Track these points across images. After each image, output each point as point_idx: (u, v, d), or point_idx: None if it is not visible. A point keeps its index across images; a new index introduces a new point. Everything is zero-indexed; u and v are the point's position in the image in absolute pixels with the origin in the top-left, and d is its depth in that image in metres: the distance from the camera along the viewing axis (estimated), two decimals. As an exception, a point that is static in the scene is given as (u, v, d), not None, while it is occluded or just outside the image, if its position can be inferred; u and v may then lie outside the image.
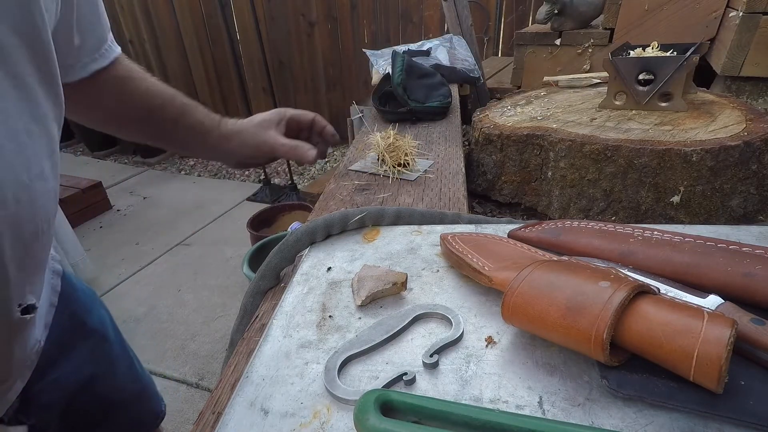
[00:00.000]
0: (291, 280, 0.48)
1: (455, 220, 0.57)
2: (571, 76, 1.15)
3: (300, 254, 0.53)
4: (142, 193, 3.72)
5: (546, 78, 1.19)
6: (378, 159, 0.84)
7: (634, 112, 0.87)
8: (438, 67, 1.43)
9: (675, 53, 0.88)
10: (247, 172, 3.96)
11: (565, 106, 0.97)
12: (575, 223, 0.47)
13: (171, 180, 3.99)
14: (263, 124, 0.68)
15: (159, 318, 2.33)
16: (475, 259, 0.43)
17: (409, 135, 0.85)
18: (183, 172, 4.11)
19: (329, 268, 0.48)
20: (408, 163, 0.82)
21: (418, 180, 0.78)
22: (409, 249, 0.51)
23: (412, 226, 0.55)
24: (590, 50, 1.69)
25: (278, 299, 0.46)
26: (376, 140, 0.82)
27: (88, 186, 3.33)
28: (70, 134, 4.63)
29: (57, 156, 0.43)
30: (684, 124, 0.78)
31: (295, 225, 2.59)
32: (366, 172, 0.83)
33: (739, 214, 0.72)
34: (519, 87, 1.91)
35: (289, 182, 3.52)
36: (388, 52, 1.68)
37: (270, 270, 0.52)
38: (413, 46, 1.66)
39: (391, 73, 1.15)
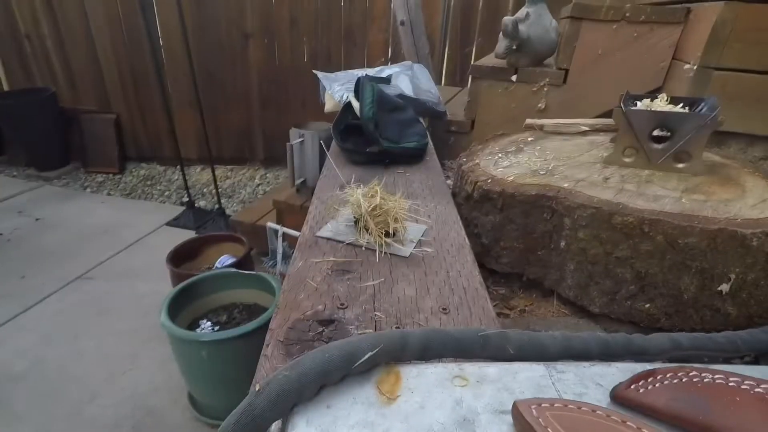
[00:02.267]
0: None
1: (502, 346, 0.39)
2: (557, 121, 1.04)
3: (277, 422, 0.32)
4: (33, 214, 3.15)
5: (528, 121, 1.07)
6: (356, 223, 0.64)
7: (648, 172, 0.76)
8: (403, 97, 1.27)
9: (686, 108, 0.80)
10: (167, 192, 3.53)
11: (564, 158, 0.84)
12: (724, 381, 0.31)
13: (73, 198, 3.44)
14: None
15: (47, 375, 1.89)
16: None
17: (399, 193, 0.66)
18: (89, 189, 3.57)
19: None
20: (397, 231, 0.63)
21: (413, 257, 0.60)
22: (459, 419, 0.31)
23: (448, 368, 0.36)
24: (545, 89, 1.66)
25: None
26: (355, 199, 0.62)
27: (-39, 205, 2.74)
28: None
29: None
30: (716, 194, 0.67)
31: (224, 259, 2.27)
32: (342, 242, 0.63)
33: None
34: (473, 121, 1.83)
35: (217, 206, 3.17)
36: (342, 75, 1.50)
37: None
38: (371, 71, 1.50)
39: (358, 103, 0.97)
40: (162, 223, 3.11)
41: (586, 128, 1.03)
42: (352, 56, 3.29)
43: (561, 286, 0.72)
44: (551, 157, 0.85)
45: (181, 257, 2.16)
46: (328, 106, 1.39)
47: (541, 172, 0.78)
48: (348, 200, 0.65)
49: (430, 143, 1.05)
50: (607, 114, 1.27)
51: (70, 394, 1.81)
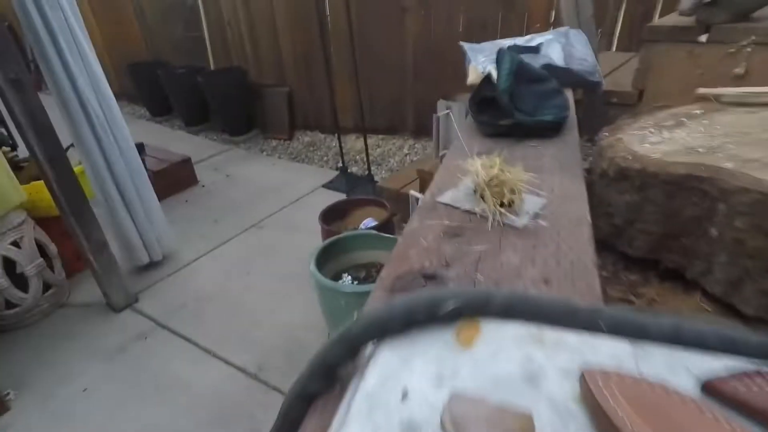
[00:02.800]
0: (349, 405, 0.33)
1: (592, 321, 0.39)
2: (743, 89, 0.88)
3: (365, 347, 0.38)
4: (225, 171, 3.83)
5: (701, 90, 0.92)
6: (475, 191, 0.67)
7: None
8: (550, 68, 1.20)
9: None
10: (326, 158, 3.94)
11: (737, 134, 0.72)
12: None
13: (253, 160, 4.08)
14: None
15: (228, 300, 2.36)
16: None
17: (519, 165, 0.66)
18: (265, 153, 4.18)
19: (405, 395, 0.33)
20: (513, 202, 0.63)
21: (526, 228, 0.60)
22: (527, 374, 0.33)
23: (528, 329, 0.38)
24: (749, 50, 1.36)
25: (329, 417, 0.32)
26: (475, 168, 0.65)
27: (178, 161, 3.48)
28: (168, 108, 4.90)
29: None
30: None
31: (368, 221, 2.48)
32: (458, 208, 0.66)
33: None
34: (641, 92, 1.62)
35: (367, 173, 3.42)
36: (488, 46, 1.47)
37: (321, 368, 0.37)
38: (520, 41, 1.43)
39: (496, 74, 0.96)
40: (319, 184, 3.49)
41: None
42: (509, 24, 3.14)
43: (706, 279, 0.64)
44: (719, 133, 0.73)
45: (331, 216, 2.42)
46: (471, 77, 1.38)
47: (700, 150, 0.68)
48: (469, 170, 0.68)
49: (572, 116, 0.99)
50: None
51: (242, 318, 2.23)
